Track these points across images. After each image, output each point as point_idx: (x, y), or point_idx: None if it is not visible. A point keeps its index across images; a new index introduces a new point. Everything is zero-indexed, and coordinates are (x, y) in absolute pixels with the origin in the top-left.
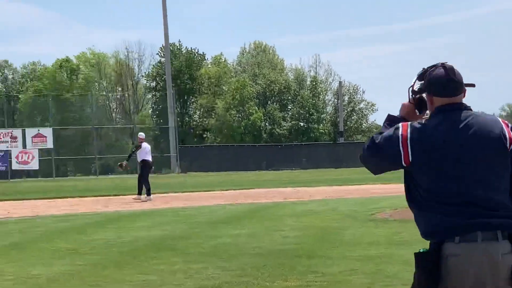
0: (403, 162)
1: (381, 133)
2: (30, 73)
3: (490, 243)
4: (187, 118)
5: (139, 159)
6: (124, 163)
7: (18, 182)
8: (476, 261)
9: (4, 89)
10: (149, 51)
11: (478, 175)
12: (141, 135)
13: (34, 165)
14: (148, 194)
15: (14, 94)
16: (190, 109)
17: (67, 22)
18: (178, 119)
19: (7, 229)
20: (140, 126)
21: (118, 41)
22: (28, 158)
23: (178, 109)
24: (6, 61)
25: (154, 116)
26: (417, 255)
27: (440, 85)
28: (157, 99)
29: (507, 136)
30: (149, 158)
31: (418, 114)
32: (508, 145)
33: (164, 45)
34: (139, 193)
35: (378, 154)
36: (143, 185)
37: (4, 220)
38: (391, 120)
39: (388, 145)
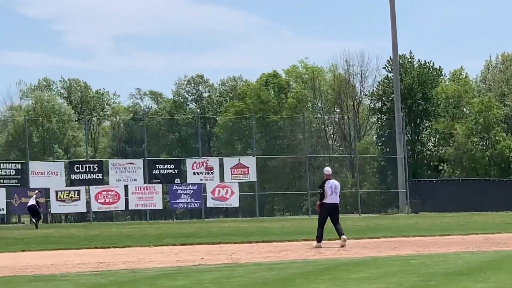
0: None
1: None
2: (229, 90)
3: None
4: (419, 147)
5: None
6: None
7: (213, 222)
8: None
9: (198, 110)
10: (374, 65)
11: None
12: (327, 170)
13: (234, 202)
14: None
15: (211, 116)
16: (423, 135)
17: (275, 29)
18: (409, 147)
19: (200, 279)
20: (362, 155)
21: (336, 52)
22: (226, 193)
23: (409, 135)
24: (201, 76)
25: (379, 144)
26: None
27: None
28: (383, 123)
29: None
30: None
31: None
32: None
33: (392, 57)
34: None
35: None
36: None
37: (196, 268)
38: None
39: None
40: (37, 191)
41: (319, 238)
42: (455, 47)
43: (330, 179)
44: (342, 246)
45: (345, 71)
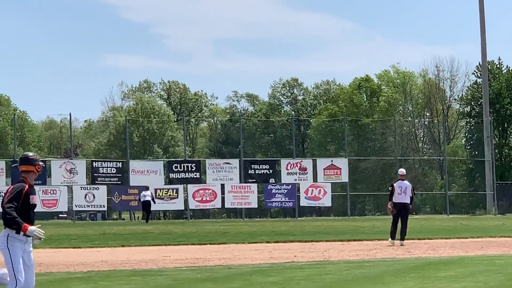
0: None
1: None
2: (323, 94)
3: None
4: (506, 150)
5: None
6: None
7: (306, 220)
8: None
9: (293, 112)
10: (463, 70)
11: None
12: (401, 171)
13: (326, 201)
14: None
15: (305, 118)
16: (511, 139)
17: (368, 35)
18: (496, 150)
19: (292, 276)
20: (451, 158)
21: (427, 57)
22: (319, 193)
23: (497, 139)
24: (296, 80)
25: (468, 147)
26: None
27: None
28: (472, 127)
29: None
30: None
31: None
32: None
33: (481, 63)
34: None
35: None
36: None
37: (289, 265)
38: None
39: None
40: (148, 189)
41: (392, 235)
42: None
43: (403, 179)
44: (402, 245)
45: (435, 76)
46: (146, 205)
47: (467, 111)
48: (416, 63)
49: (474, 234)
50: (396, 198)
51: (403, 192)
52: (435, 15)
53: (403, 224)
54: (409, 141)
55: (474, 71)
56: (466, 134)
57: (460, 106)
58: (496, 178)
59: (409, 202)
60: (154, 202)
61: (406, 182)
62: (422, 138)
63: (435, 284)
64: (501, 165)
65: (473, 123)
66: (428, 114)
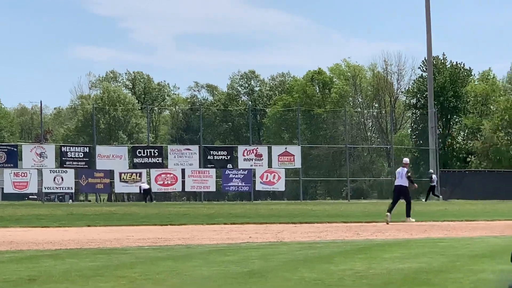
0: None
1: None
2: (278, 85)
3: None
4: (449, 140)
5: None
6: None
7: (261, 204)
8: None
9: (250, 102)
10: (410, 65)
11: None
12: (405, 160)
13: (280, 186)
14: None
15: (261, 108)
16: (453, 129)
17: (321, 30)
18: (440, 140)
19: (248, 255)
20: (397, 146)
21: (376, 52)
22: (273, 178)
23: (440, 129)
24: (253, 72)
25: (413, 137)
26: None
27: None
28: (417, 118)
29: None
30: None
31: None
32: None
33: (426, 58)
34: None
35: None
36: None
37: (244, 245)
38: None
39: None
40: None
41: (388, 210)
42: (484, 49)
43: (404, 167)
44: (405, 221)
45: (384, 69)
46: (145, 192)
47: (413, 103)
48: (366, 57)
49: (419, 218)
50: (396, 182)
51: (399, 176)
52: (384, 12)
53: (407, 203)
54: (358, 131)
55: (420, 65)
56: (412, 125)
57: (406, 98)
58: (440, 166)
59: (405, 185)
60: (150, 186)
61: (405, 168)
62: (370, 128)
63: (381, 264)
64: (444, 154)
65: (418, 114)
66: (376, 105)
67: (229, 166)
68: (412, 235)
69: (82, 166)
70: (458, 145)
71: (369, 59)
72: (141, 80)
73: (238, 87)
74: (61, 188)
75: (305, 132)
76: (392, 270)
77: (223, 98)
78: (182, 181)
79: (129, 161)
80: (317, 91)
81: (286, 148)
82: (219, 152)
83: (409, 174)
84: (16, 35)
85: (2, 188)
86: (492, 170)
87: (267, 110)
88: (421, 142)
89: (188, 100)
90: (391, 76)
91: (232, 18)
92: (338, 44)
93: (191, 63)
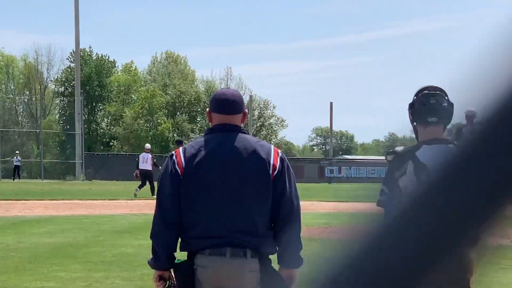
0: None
1: None
2: None
3: (237, 259)
4: (94, 125)
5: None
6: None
7: None
8: (222, 273)
9: None
10: (59, 56)
11: (235, 194)
12: (147, 146)
13: None
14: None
15: None
16: (98, 116)
17: None
18: (85, 126)
19: None
20: (46, 131)
21: (28, 44)
22: None
23: (86, 115)
24: None
25: (61, 122)
26: (175, 265)
27: (216, 102)
28: (65, 105)
29: (272, 162)
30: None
31: None
32: (271, 170)
33: (74, 50)
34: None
35: None
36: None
37: None
38: None
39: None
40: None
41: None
42: (128, 43)
43: (147, 152)
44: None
45: (35, 60)
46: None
47: (61, 91)
48: (19, 48)
49: (65, 196)
50: (140, 166)
51: (145, 161)
52: (36, 4)
53: (151, 187)
54: (10, 115)
55: (69, 57)
56: (60, 111)
57: (55, 87)
58: (85, 149)
59: (149, 169)
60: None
61: (147, 154)
62: (21, 113)
63: (30, 239)
64: (90, 138)
65: (66, 102)
66: (27, 92)
67: None
68: (58, 212)
69: None
70: (102, 130)
71: (22, 50)
72: None
73: None
74: None
75: None
76: (40, 244)
77: None
78: None
79: None
80: None
81: None
82: None
83: (154, 160)
84: None
85: None
86: (133, 154)
87: None
88: (68, 127)
89: None
90: (41, 66)
91: None
92: None
93: None
